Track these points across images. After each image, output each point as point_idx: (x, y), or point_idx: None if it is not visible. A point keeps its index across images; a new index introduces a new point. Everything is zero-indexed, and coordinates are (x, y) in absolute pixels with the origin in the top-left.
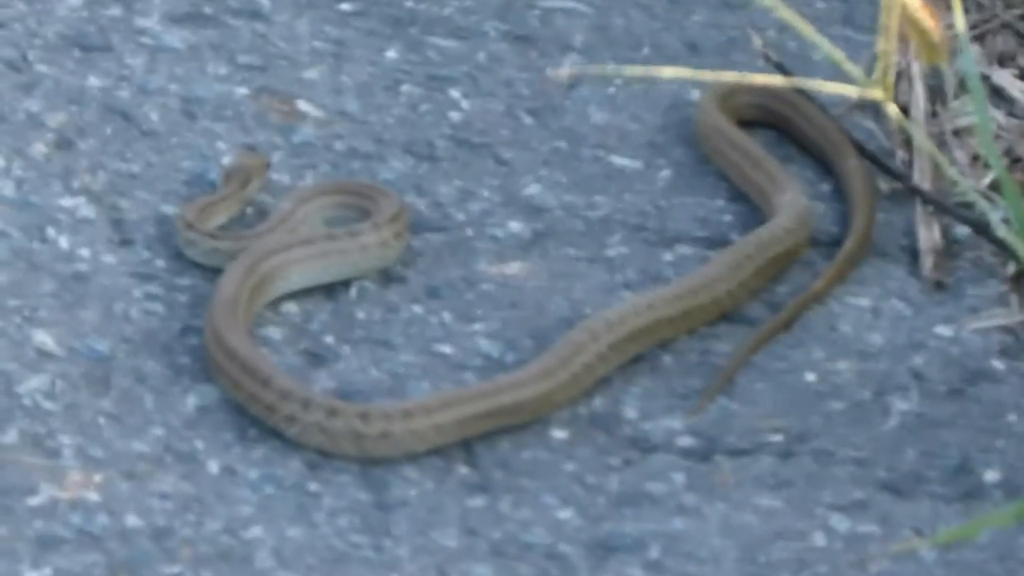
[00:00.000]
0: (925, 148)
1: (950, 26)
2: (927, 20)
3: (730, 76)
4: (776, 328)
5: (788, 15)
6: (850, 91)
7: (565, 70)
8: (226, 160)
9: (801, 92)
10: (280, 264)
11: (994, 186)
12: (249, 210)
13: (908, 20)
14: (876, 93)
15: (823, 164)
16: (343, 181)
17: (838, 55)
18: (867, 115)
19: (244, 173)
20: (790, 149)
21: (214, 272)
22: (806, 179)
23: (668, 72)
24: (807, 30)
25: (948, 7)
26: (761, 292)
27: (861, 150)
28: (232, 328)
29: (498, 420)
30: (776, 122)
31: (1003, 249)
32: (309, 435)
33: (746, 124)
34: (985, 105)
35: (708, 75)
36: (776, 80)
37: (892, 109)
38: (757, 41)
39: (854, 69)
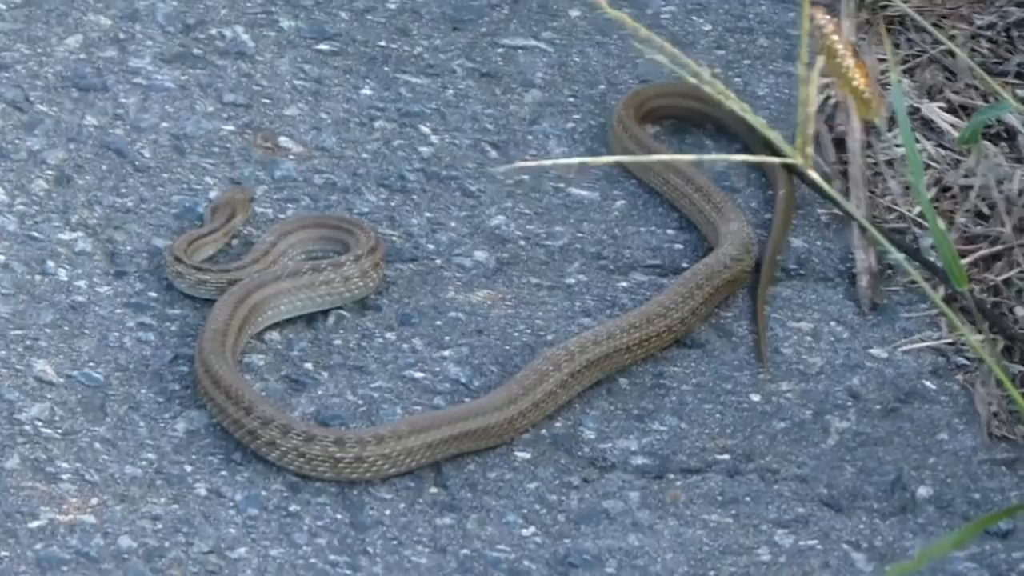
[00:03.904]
0: (860, 178)
1: (883, 59)
2: (860, 79)
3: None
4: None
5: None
6: (774, 160)
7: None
8: (213, 195)
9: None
10: (269, 295)
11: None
12: (235, 242)
13: (842, 79)
14: (797, 159)
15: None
16: (322, 215)
17: (760, 122)
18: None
19: (229, 208)
20: (736, 181)
21: (203, 303)
22: (750, 209)
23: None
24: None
25: (880, 42)
26: (709, 317)
27: (801, 177)
28: (219, 357)
29: (465, 444)
30: (689, 116)
31: (933, 273)
32: (288, 459)
33: (661, 120)
34: (913, 139)
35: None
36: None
37: (811, 175)
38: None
39: (777, 137)
